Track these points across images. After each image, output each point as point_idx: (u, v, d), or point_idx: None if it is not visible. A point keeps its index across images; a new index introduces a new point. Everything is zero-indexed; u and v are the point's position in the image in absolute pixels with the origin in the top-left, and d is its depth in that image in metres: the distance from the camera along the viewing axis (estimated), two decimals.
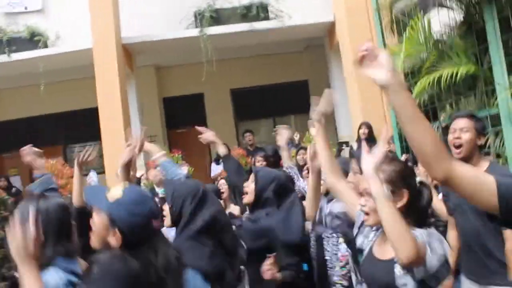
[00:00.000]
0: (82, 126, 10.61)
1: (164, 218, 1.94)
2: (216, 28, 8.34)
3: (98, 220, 1.81)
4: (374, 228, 2.12)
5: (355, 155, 4.13)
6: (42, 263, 1.97)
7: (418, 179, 2.07)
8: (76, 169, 3.15)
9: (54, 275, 1.97)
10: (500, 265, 2.61)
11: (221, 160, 3.60)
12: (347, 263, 3.12)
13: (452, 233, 3.02)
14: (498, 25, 3.84)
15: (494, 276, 2.64)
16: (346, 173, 3.48)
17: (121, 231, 1.77)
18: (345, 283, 3.12)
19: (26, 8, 9.08)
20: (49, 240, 2.02)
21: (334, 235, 3.38)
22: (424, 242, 1.81)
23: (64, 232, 2.09)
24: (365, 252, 2.15)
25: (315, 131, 2.51)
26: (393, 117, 6.10)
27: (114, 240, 1.77)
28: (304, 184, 3.89)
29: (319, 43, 10.05)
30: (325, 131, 2.48)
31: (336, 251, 3.28)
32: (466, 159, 2.73)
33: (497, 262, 2.62)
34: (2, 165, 11.26)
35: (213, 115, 11.22)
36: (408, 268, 1.81)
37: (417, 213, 1.97)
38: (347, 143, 7.19)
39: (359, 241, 2.21)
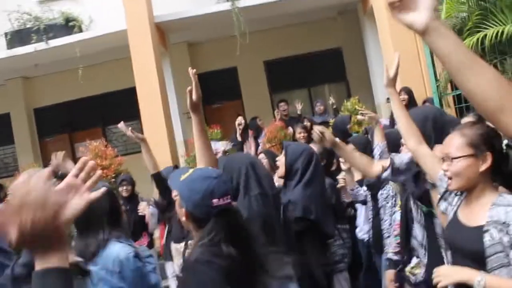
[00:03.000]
0: (121, 106, 10.81)
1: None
2: (247, 0, 8.26)
3: (176, 201, 1.94)
4: (458, 192, 2.09)
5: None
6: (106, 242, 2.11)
7: (505, 141, 2.01)
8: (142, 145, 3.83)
9: (122, 249, 2.10)
10: None
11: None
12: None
13: None
14: None
15: None
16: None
17: (186, 208, 1.86)
18: (398, 254, 3.12)
19: None
20: (102, 225, 2.16)
21: (390, 203, 3.40)
22: None
23: (114, 217, 2.25)
24: (449, 218, 2.12)
25: (391, 97, 2.48)
26: (432, 81, 5.97)
27: (184, 217, 1.86)
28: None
29: (352, 8, 9.84)
30: (399, 96, 2.44)
31: (391, 216, 3.31)
32: None
33: None
34: (46, 149, 11.62)
35: (247, 88, 11.21)
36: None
37: (504, 176, 1.94)
38: None
39: (442, 207, 2.17)
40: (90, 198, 1.08)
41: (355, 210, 4.05)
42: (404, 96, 6.47)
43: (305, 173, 3.24)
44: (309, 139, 5.53)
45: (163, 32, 8.94)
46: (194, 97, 2.24)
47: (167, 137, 7.96)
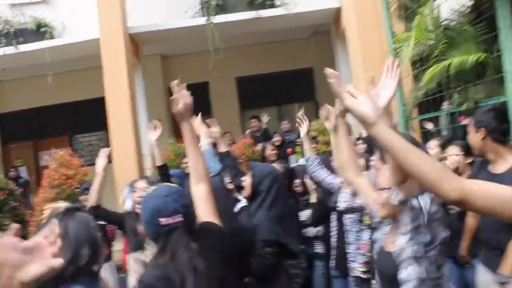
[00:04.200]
0: (89, 116, 10.66)
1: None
2: (222, 16, 8.34)
3: None
4: (388, 221, 2.19)
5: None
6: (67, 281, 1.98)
7: None
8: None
9: None
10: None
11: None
12: (368, 252, 3.18)
13: (470, 220, 3.05)
14: (510, 11, 3.85)
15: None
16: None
17: (143, 226, 1.90)
18: (365, 270, 3.18)
19: None
20: (78, 258, 2.01)
21: (356, 224, 3.46)
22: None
23: (93, 251, 2.09)
24: (379, 245, 2.22)
25: (340, 126, 2.54)
26: (399, 105, 6.13)
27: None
28: (327, 174, 3.93)
29: (325, 29, 10.04)
30: (348, 128, 2.50)
31: (358, 239, 3.36)
32: (482, 155, 2.79)
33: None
34: (9, 155, 11.35)
35: (218, 103, 11.25)
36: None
37: None
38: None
39: (375, 236, 2.28)
40: (52, 265, 0.97)
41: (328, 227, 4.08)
42: None
43: (269, 195, 3.32)
44: (278, 157, 5.58)
45: (136, 43, 8.92)
46: (180, 105, 2.14)
47: (134, 149, 7.89)
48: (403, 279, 1.94)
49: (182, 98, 2.14)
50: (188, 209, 1.90)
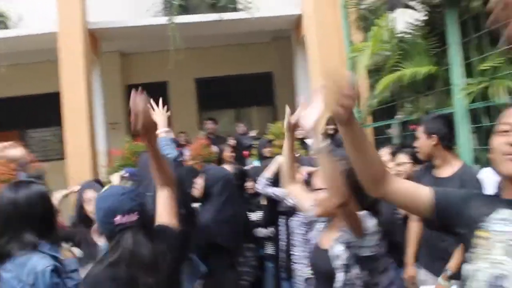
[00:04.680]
0: (43, 111, 10.39)
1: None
2: (184, 17, 8.33)
3: None
4: (323, 220, 2.31)
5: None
6: (27, 249, 2.01)
7: None
8: None
9: (41, 261, 2.02)
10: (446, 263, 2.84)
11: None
12: None
13: (413, 225, 3.20)
14: (459, 28, 4.06)
15: (441, 269, 2.86)
16: None
17: (97, 224, 1.93)
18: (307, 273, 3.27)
19: None
20: (33, 227, 2.06)
21: (303, 227, 3.55)
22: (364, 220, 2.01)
23: (48, 219, 2.14)
24: (313, 243, 2.34)
25: (287, 139, 2.62)
26: (357, 112, 6.31)
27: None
28: (273, 190, 4.02)
29: (286, 35, 10.18)
30: (294, 139, 2.58)
31: (304, 242, 3.46)
32: (429, 160, 2.95)
33: (446, 260, 2.84)
34: None
35: (176, 103, 11.17)
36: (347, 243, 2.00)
37: (368, 204, 2.18)
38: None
39: (310, 235, 2.39)
40: None
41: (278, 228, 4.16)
42: (332, 126, 6.70)
43: (220, 198, 3.42)
44: (234, 159, 5.64)
45: (95, 39, 8.78)
46: (139, 125, 1.98)
47: (89, 146, 7.76)
48: (337, 282, 2.05)
49: (142, 114, 2.00)
50: (143, 209, 1.91)
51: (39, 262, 2.04)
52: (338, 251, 2.06)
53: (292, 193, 2.61)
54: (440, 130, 3.04)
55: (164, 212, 2.07)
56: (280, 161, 4.11)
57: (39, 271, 2.04)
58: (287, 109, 2.54)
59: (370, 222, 2.07)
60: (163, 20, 8.30)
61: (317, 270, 2.23)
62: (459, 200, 1.56)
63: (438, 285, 2.86)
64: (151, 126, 2.01)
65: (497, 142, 1.48)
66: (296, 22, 9.03)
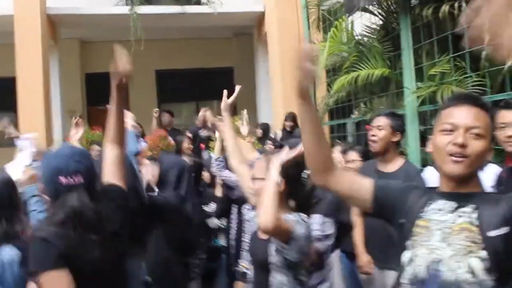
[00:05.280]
0: None
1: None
2: (147, 7, 8.29)
3: None
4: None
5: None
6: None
7: (307, 171, 2.39)
8: None
9: (9, 250, 2.01)
10: (393, 252, 3.00)
11: None
12: None
13: (356, 219, 3.35)
14: (411, 34, 4.26)
15: (391, 261, 3.02)
16: None
17: (43, 183, 1.92)
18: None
19: None
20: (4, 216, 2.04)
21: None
22: (292, 226, 2.11)
23: (15, 208, 2.11)
24: (252, 231, 2.45)
25: (223, 119, 2.73)
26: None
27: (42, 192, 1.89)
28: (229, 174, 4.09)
29: (247, 31, 10.27)
30: (230, 119, 2.72)
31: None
32: (381, 153, 3.09)
33: (395, 250, 3.00)
34: None
35: (136, 95, 11.06)
36: (279, 247, 2.11)
37: (299, 199, 2.30)
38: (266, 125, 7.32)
39: (251, 224, 2.50)
40: None
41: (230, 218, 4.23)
42: (290, 123, 6.83)
43: (178, 187, 3.48)
44: (192, 151, 5.68)
45: (54, 24, 8.60)
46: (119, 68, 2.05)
47: (44, 134, 7.61)
48: (274, 281, 2.16)
49: (126, 65, 2.09)
50: (89, 170, 1.90)
51: (6, 253, 2.03)
52: (272, 252, 2.18)
53: (239, 173, 2.68)
54: (402, 129, 3.23)
55: (112, 171, 2.08)
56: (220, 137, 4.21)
57: (6, 262, 2.05)
58: (225, 92, 2.72)
59: (300, 229, 2.12)
60: (125, 9, 8.23)
61: (255, 258, 2.34)
62: (399, 192, 1.65)
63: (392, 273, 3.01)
64: (127, 79, 2.07)
65: (441, 141, 1.53)
66: (258, 19, 9.13)
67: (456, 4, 3.95)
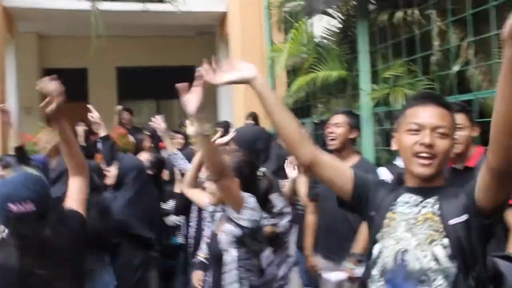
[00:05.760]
0: None
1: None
2: (109, 4, 8.19)
3: None
4: (220, 208, 2.54)
5: None
6: None
7: (262, 170, 2.52)
8: None
9: None
10: (351, 247, 3.13)
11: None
12: None
13: (310, 217, 3.45)
14: (368, 38, 4.42)
15: (345, 254, 3.15)
16: None
17: None
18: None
19: None
20: None
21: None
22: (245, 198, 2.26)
23: None
24: (211, 230, 2.56)
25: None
26: None
27: None
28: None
29: (210, 30, 10.30)
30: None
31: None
32: (338, 151, 3.20)
33: (350, 244, 3.12)
34: None
35: (96, 91, 10.98)
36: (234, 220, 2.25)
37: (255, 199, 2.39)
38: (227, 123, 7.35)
39: (212, 226, 2.61)
40: None
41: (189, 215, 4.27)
42: (251, 122, 6.89)
43: (133, 187, 3.52)
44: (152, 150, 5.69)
45: (11, 18, 8.40)
46: (52, 107, 1.93)
47: (0, 130, 7.43)
48: (226, 260, 2.28)
49: (56, 98, 1.95)
50: (42, 198, 1.88)
51: None
52: (226, 229, 2.29)
53: (191, 197, 2.79)
54: (359, 126, 3.36)
55: (74, 200, 2.10)
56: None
57: None
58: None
59: (251, 199, 2.27)
60: (86, 5, 8.10)
61: (210, 252, 2.45)
62: (373, 185, 1.71)
63: (348, 269, 3.12)
64: (62, 111, 1.98)
65: (407, 141, 1.56)
66: (221, 18, 9.18)
67: (410, 11, 4.12)
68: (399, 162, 3.41)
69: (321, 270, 3.29)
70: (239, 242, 2.27)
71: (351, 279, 3.11)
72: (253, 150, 2.68)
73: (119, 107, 8.08)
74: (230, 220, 2.27)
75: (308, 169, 1.75)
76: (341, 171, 1.71)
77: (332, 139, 3.21)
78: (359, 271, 3.08)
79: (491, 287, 1.52)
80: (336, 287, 3.25)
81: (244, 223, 2.24)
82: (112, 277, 3.09)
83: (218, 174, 2.16)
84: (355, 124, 3.28)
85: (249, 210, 2.24)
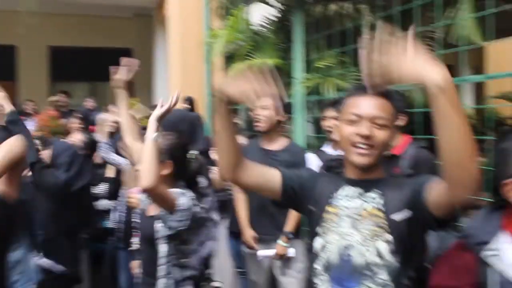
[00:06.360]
0: None
1: None
2: None
3: None
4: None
5: None
6: None
7: (193, 152, 2.56)
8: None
9: None
10: (282, 225, 3.25)
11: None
12: None
13: (239, 195, 3.51)
14: (304, 29, 4.53)
15: (277, 233, 3.26)
16: None
17: None
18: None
19: None
20: None
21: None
22: (177, 197, 2.28)
23: None
24: (141, 210, 2.57)
25: (119, 96, 2.78)
26: (208, 96, 6.62)
27: None
28: (116, 157, 4.11)
29: (147, 13, 10.12)
30: (126, 96, 2.76)
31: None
32: (266, 133, 3.29)
33: (281, 223, 3.24)
34: None
35: (25, 71, 10.52)
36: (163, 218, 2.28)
37: (185, 180, 2.44)
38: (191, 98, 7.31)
39: (143, 204, 2.61)
40: None
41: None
42: (188, 106, 6.87)
43: (67, 171, 3.49)
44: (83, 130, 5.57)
45: None
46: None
47: None
48: (160, 253, 2.31)
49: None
50: None
51: None
52: (157, 227, 2.31)
53: (134, 150, 2.71)
54: (286, 109, 3.45)
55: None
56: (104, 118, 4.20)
57: None
58: (122, 65, 2.82)
59: (183, 200, 2.28)
60: None
61: (143, 235, 2.46)
62: (307, 180, 1.70)
63: (279, 246, 3.23)
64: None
65: (346, 131, 1.55)
66: (159, 1, 9.04)
67: (343, 5, 4.27)
68: (327, 148, 3.58)
69: (256, 244, 3.37)
70: (169, 239, 2.30)
71: (281, 256, 3.24)
72: (176, 132, 2.69)
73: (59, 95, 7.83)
74: (160, 219, 2.29)
75: (233, 181, 1.73)
76: (266, 180, 1.71)
77: (259, 121, 3.29)
78: (291, 250, 3.23)
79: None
80: (264, 263, 3.38)
81: (174, 224, 2.26)
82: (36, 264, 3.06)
83: (153, 182, 2.15)
84: (284, 109, 3.37)
85: (180, 212, 2.26)
